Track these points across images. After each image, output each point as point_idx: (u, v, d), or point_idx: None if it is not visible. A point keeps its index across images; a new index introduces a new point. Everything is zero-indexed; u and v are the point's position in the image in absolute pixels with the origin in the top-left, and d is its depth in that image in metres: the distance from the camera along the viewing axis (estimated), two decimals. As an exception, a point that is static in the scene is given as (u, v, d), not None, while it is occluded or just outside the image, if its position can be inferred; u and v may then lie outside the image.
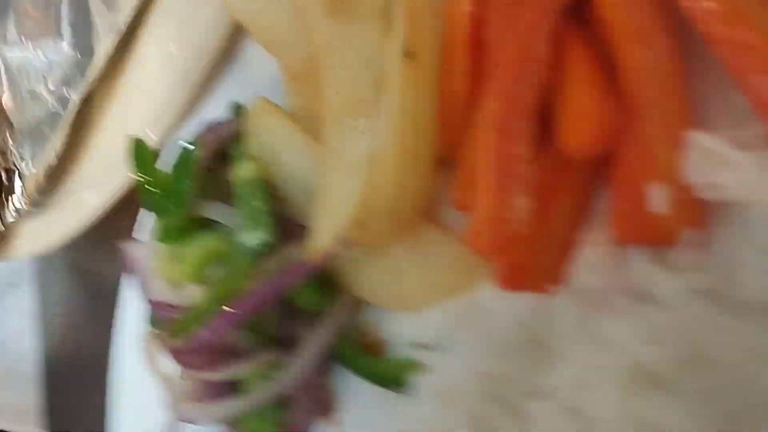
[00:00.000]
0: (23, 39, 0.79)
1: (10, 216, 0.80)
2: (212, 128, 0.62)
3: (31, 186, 0.78)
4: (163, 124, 0.67)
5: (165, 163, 0.61)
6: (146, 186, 0.60)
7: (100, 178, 0.71)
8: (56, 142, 0.76)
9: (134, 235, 0.65)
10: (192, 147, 0.59)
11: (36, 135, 0.79)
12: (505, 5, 0.42)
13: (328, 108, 0.53)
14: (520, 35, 0.40)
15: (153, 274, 0.58)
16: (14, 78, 0.79)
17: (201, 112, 0.66)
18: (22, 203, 0.79)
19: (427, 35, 0.49)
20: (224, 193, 0.63)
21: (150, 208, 0.61)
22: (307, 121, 0.59)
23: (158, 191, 0.60)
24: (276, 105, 0.60)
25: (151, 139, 0.67)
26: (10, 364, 1.00)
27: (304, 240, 0.54)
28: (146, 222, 0.63)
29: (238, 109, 0.64)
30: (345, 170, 0.50)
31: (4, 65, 0.79)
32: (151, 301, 0.58)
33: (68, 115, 0.75)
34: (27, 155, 0.79)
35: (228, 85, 0.65)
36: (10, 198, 0.80)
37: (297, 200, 0.57)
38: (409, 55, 0.48)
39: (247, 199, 0.56)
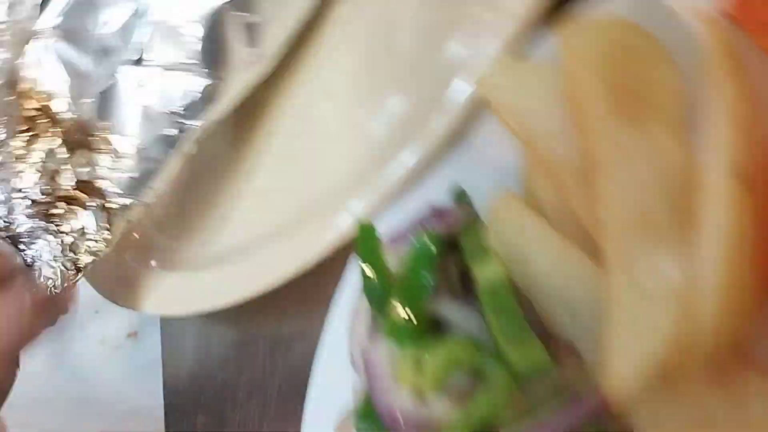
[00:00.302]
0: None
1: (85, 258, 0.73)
2: (441, 215, 0.57)
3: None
4: (366, 199, 0.61)
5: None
6: (373, 279, 0.55)
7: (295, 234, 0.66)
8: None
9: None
10: (433, 235, 0.53)
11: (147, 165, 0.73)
12: None
13: (608, 220, 0.48)
14: None
15: (389, 379, 0.53)
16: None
17: (413, 194, 0.61)
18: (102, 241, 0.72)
19: (759, 154, 0.44)
20: (449, 289, 0.59)
21: (375, 304, 0.56)
22: (558, 221, 0.54)
23: (382, 284, 0.55)
24: (524, 200, 0.54)
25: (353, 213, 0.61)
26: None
27: (577, 365, 0.49)
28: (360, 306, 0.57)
29: (462, 197, 0.59)
30: (646, 300, 0.45)
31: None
32: (384, 412, 0.53)
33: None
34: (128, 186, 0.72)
35: (450, 166, 0.60)
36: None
37: (551, 311, 0.52)
38: (739, 177, 0.43)
39: (500, 307, 0.51)
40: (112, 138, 0.71)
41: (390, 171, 0.61)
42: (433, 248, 0.54)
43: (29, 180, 0.70)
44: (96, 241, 0.71)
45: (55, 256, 0.71)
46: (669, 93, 0.49)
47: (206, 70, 0.70)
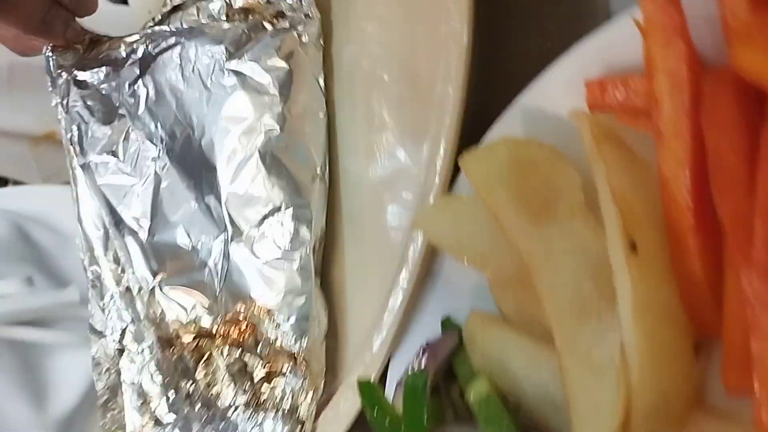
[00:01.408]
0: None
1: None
2: (431, 348, 0.62)
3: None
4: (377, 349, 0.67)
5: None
6: (382, 424, 0.60)
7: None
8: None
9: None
10: (418, 373, 0.58)
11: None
12: (735, 181, 0.41)
13: (551, 313, 0.52)
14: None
15: None
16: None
17: (408, 334, 0.66)
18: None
19: (644, 220, 0.48)
20: (455, 412, 0.63)
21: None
22: (526, 326, 0.58)
23: (393, 426, 0.60)
24: (490, 315, 0.59)
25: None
26: None
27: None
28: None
29: (448, 324, 0.63)
30: (594, 374, 0.49)
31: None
32: None
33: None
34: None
35: (431, 302, 0.65)
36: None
37: (536, 408, 0.55)
38: (632, 247, 0.47)
39: (490, 419, 0.55)
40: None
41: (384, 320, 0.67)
42: (420, 384, 0.59)
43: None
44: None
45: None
46: (569, 186, 0.54)
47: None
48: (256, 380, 0.71)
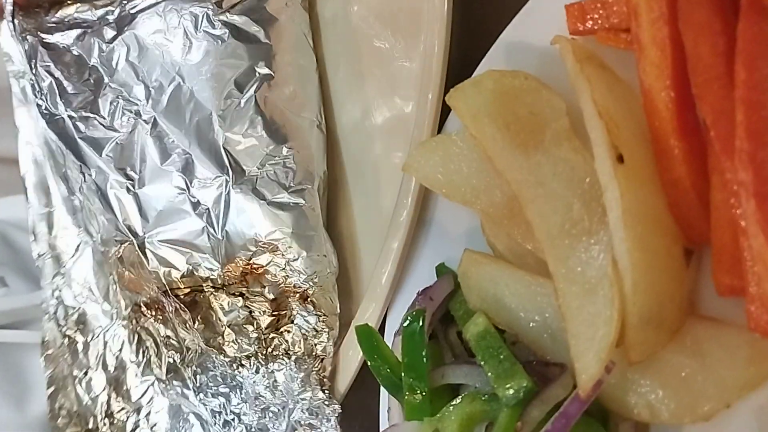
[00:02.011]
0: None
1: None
2: (427, 295, 0.62)
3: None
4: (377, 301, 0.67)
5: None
6: (381, 371, 0.60)
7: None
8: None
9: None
10: (416, 312, 0.58)
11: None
12: (715, 77, 0.41)
13: (544, 239, 0.52)
14: (747, 100, 0.38)
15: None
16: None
17: (408, 282, 0.66)
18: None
19: (629, 134, 0.48)
20: (455, 355, 0.63)
21: (391, 391, 0.60)
22: (518, 260, 0.58)
23: (393, 373, 0.60)
24: (483, 253, 0.59)
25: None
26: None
27: (560, 377, 0.52)
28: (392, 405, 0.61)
29: (442, 269, 0.63)
30: (588, 293, 0.49)
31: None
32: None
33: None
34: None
35: (427, 249, 0.65)
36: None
37: (534, 339, 0.55)
38: (618, 159, 0.47)
39: (489, 353, 0.55)
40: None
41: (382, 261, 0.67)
42: (417, 324, 0.59)
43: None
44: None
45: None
46: (554, 112, 0.54)
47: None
48: (264, 328, 0.70)
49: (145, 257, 0.70)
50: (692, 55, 0.43)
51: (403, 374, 0.58)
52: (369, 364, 0.61)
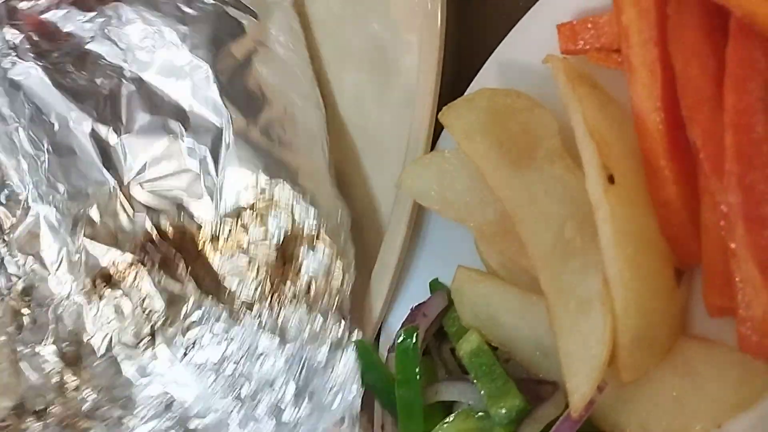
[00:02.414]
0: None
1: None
2: (420, 311, 0.62)
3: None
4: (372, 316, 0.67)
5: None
6: (377, 385, 0.60)
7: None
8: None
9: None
10: (410, 328, 0.58)
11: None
12: (704, 100, 0.41)
13: (536, 257, 0.52)
14: (736, 123, 0.39)
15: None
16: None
17: (402, 298, 0.66)
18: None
19: (620, 154, 0.48)
20: (448, 371, 0.63)
21: (386, 406, 0.60)
22: (511, 277, 0.58)
23: (387, 388, 0.60)
24: (477, 270, 0.59)
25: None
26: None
27: (553, 396, 0.52)
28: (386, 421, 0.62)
29: (436, 285, 0.64)
30: (580, 312, 0.49)
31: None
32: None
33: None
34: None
35: (421, 266, 0.65)
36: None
37: (526, 357, 0.55)
38: (609, 179, 0.47)
39: (482, 370, 0.55)
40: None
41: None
42: (410, 341, 0.59)
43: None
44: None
45: None
46: (546, 131, 0.54)
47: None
48: (268, 274, 0.65)
49: (131, 204, 0.67)
50: (682, 77, 0.43)
51: (396, 390, 0.58)
52: (363, 377, 0.61)
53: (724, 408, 0.45)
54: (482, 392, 0.54)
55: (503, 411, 0.51)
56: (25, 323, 0.68)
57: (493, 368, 0.54)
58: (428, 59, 0.62)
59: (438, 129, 0.62)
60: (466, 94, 0.60)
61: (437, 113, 0.58)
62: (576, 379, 0.48)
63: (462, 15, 0.66)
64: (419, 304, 0.62)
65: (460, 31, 0.66)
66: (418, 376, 0.57)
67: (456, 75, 0.63)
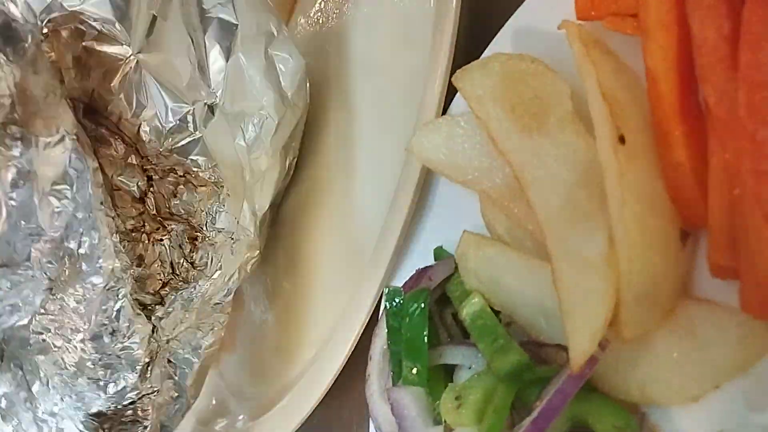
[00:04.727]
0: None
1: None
2: (426, 274, 0.62)
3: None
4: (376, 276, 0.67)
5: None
6: (395, 337, 0.60)
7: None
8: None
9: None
10: (417, 298, 0.59)
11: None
12: (719, 59, 0.42)
13: (543, 221, 0.53)
14: (751, 80, 0.39)
15: (422, 420, 0.57)
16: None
17: (402, 266, 0.67)
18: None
19: (631, 117, 0.48)
20: (450, 335, 0.63)
21: (394, 363, 0.61)
22: (516, 243, 0.59)
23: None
24: (482, 235, 0.60)
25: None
26: None
27: (556, 356, 0.52)
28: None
29: (441, 253, 0.64)
30: (584, 271, 0.49)
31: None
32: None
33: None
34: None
35: (424, 234, 0.66)
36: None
37: (529, 320, 0.56)
38: (620, 140, 0.48)
39: (484, 331, 0.55)
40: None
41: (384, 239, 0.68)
42: (419, 304, 0.59)
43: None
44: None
45: None
46: (558, 96, 0.55)
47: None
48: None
49: None
50: (698, 37, 0.43)
51: (403, 350, 0.58)
52: (388, 324, 0.61)
53: (724, 369, 0.45)
54: (484, 352, 0.54)
55: (507, 366, 0.51)
56: None
57: (495, 328, 0.55)
58: (444, 24, 0.63)
59: (450, 95, 0.63)
60: (480, 59, 0.60)
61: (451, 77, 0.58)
62: (578, 336, 0.48)
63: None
64: (425, 267, 0.62)
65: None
66: (425, 338, 0.57)
67: (472, 40, 0.64)
